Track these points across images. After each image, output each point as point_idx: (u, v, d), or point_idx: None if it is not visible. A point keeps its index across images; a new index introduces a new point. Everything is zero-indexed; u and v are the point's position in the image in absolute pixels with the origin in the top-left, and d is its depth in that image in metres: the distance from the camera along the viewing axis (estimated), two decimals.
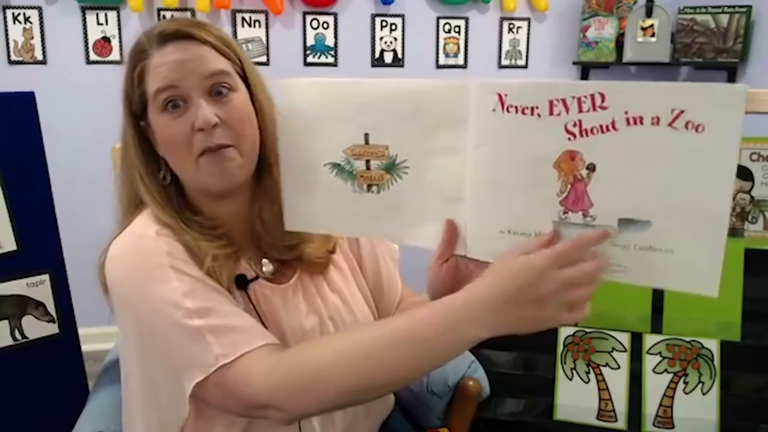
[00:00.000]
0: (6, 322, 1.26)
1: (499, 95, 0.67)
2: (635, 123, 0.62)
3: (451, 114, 0.71)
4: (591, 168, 0.65)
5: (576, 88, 0.64)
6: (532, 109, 0.66)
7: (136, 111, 0.83)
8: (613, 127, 0.63)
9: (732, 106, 0.60)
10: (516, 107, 0.66)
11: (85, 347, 1.38)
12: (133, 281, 0.79)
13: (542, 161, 0.66)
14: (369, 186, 0.78)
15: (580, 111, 0.64)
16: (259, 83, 0.86)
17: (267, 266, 0.90)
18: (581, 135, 0.64)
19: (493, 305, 0.65)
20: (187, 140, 0.79)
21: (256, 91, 0.85)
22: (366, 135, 0.76)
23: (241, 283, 0.85)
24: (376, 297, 1.00)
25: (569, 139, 0.65)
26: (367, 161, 0.77)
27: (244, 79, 0.84)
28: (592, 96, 0.63)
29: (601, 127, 0.63)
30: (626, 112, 0.62)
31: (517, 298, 0.64)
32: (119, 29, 2.46)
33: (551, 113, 0.65)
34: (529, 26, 2.76)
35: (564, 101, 0.64)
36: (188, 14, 2.49)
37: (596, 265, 0.65)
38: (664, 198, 0.63)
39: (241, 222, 0.88)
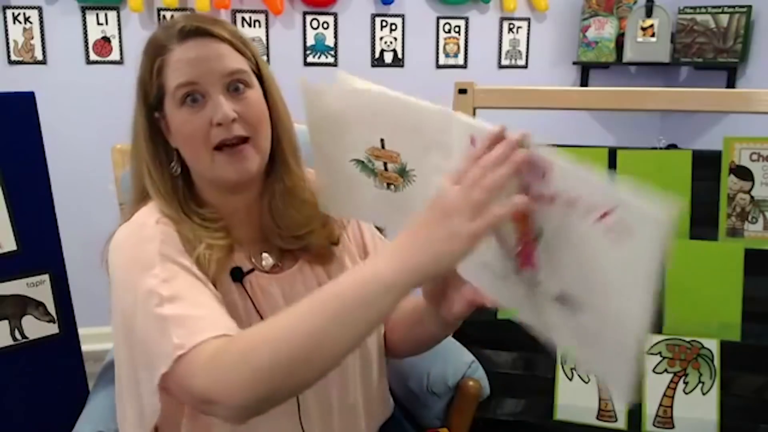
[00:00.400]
0: (6, 322, 1.26)
1: (471, 137, 0.66)
2: (571, 205, 0.60)
3: (440, 138, 0.72)
4: (538, 233, 0.64)
5: (532, 153, 0.62)
6: None
7: (152, 102, 0.84)
8: (553, 201, 0.61)
9: (657, 224, 0.55)
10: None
11: (85, 347, 1.38)
12: (124, 269, 0.81)
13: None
14: (388, 184, 0.80)
15: (530, 174, 0.62)
16: (271, 80, 0.88)
17: (267, 260, 0.91)
18: (531, 199, 0.62)
19: (401, 240, 0.66)
20: (205, 134, 0.81)
21: (270, 88, 0.87)
22: (382, 140, 0.77)
23: (237, 275, 0.86)
24: None
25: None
26: (385, 163, 0.79)
27: (258, 76, 0.86)
28: (543, 164, 0.61)
29: (544, 196, 0.62)
30: (566, 191, 0.60)
31: (421, 223, 0.64)
32: (119, 29, 2.46)
33: None
34: (529, 26, 2.76)
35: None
36: (188, 14, 2.49)
37: (487, 160, 0.62)
38: (588, 291, 0.61)
39: (248, 214, 0.90)
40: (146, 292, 0.77)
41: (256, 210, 0.90)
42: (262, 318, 0.85)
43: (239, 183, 0.85)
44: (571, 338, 0.66)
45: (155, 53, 0.83)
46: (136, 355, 0.80)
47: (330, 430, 0.91)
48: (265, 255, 0.91)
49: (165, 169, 0.86)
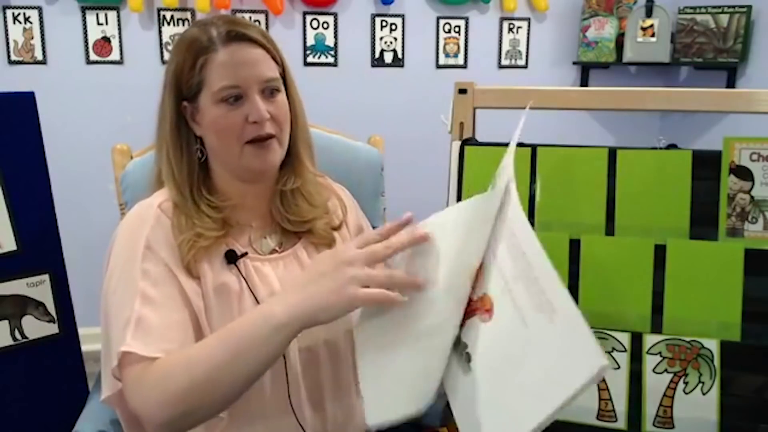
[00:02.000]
0: (6, 322, 1.26)
1: None
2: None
3: None
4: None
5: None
6: None
7: (186, 94, 0.91)
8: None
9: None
10: None
11: (85, 347, 1.38)
12: (118, 247, 0.89)
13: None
14: None
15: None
16: (293, 84, 0.97)
17: (267, 245, 0.97)
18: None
19: (293, 285, 0.79)
20: (240, 129, 0.89)
21: (292, 91, 0.96)
22: None
23: (231, 258, 0.91)
24: None
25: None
26: None
27: (283, 78, 0.95)
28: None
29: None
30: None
31: (314, 271, 0.78)
32: (119, 29, 2.46)
33: None
34: (529, 26, 2.76)
35: None
36: (188, 14, 2.48)
37: (386, 247, 0.77)
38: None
39: (258, 200, 0.98)
40: (127, 279, 0.85)
41: (266, 197, 0.98)
42: (256, 298, 0.90)
43: (262, 173, 0.93)
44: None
45: (200, 51, 0.89)
46: (108, 319, 0.88)
47: (321, 411, 0.94)
48: (265, 240, 0.97)
49: (185, 154, 0.93)
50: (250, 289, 0.90)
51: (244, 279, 0.90)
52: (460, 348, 0.72)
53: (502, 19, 2.73)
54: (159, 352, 0.81)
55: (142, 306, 0.83)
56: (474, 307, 0.73)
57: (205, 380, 0.76)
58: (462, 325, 0.73)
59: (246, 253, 0.93)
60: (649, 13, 2.61)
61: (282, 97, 0.93)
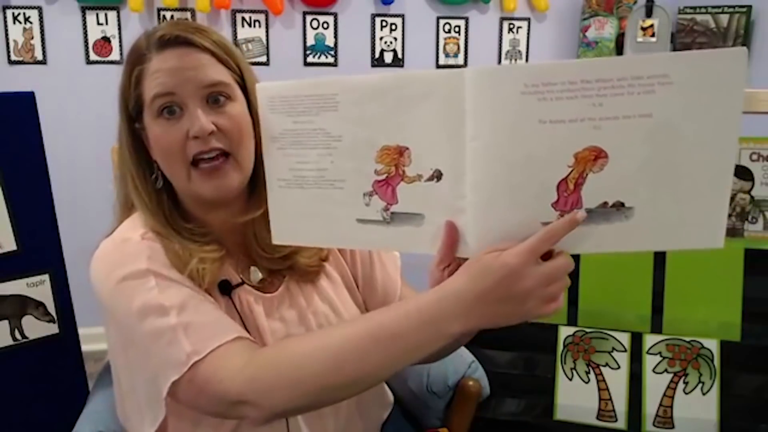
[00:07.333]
0: (6, 322, 1.26)
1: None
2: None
3: None
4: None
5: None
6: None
7: (132, 113, 0.82)
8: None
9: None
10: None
11: (85, 347, 1.38)
12: (112, 285, 0.79)
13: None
14: None
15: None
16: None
17: (255, 273, 0.88)
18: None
19: (467, 302, 0.64)
20: (181, 147, 0.78)
21: (255, 102, 0.80)
22: None
23: (225, 288, 0.84)
24: (368, 300, 0.97)
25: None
26: None
27: (243, 88, 0.83)
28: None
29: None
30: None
31: (492, 295, 0.63)
32: (119, 29, 2.46)
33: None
34: (529, 26, 2.76)
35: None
36: (188, 14, 2.48)
37: (569, 259, 0.63)
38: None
39: (233, 232, 0.88)
40: (143, 306, 0.76)
41: (239, 229, 0.87)
42: (248, 332, 0.81)
43: (218, 200, 0.82)
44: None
45: (134, 62, 0.80)
46: (135, 368, 0.80)
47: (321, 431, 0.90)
48: (253, 268, 0.89)
49: (149, 182, 0.84)
50: (244, 326, 0.82)
51: (238, 313, 0.83)
52: (600, 214, 0.63)
53: (502, 19, 2.74)
54: (229, 335, 0.75)
55: (177, 317, 0.75)
56: (579, 175, 0.62)
57: (353, 376, 0.69)
58: (574, 210, 0.63)
59: (242, 283, 0.86)
60: (649, 13, 2.61)
61: (235, 106, 0.80)
